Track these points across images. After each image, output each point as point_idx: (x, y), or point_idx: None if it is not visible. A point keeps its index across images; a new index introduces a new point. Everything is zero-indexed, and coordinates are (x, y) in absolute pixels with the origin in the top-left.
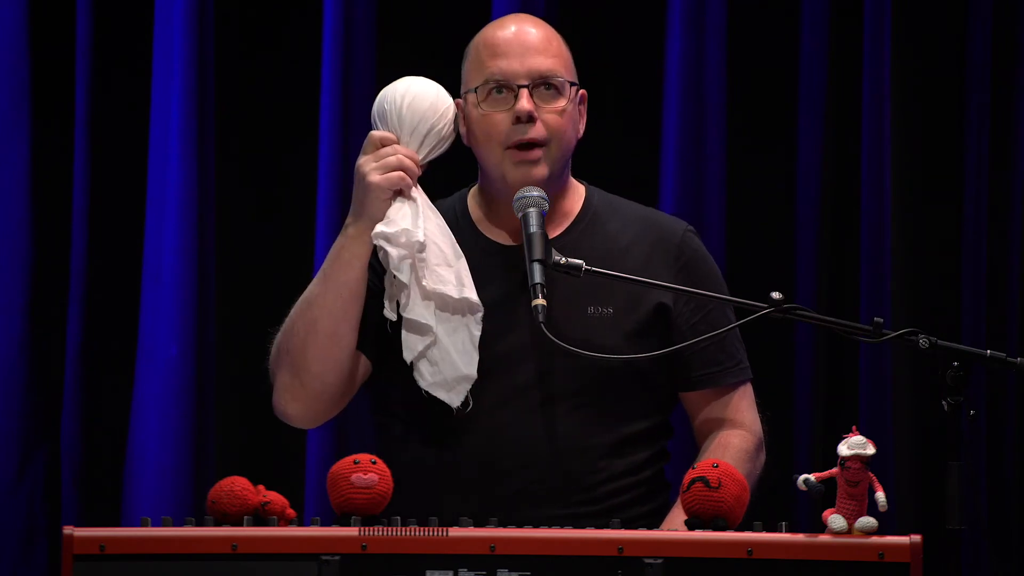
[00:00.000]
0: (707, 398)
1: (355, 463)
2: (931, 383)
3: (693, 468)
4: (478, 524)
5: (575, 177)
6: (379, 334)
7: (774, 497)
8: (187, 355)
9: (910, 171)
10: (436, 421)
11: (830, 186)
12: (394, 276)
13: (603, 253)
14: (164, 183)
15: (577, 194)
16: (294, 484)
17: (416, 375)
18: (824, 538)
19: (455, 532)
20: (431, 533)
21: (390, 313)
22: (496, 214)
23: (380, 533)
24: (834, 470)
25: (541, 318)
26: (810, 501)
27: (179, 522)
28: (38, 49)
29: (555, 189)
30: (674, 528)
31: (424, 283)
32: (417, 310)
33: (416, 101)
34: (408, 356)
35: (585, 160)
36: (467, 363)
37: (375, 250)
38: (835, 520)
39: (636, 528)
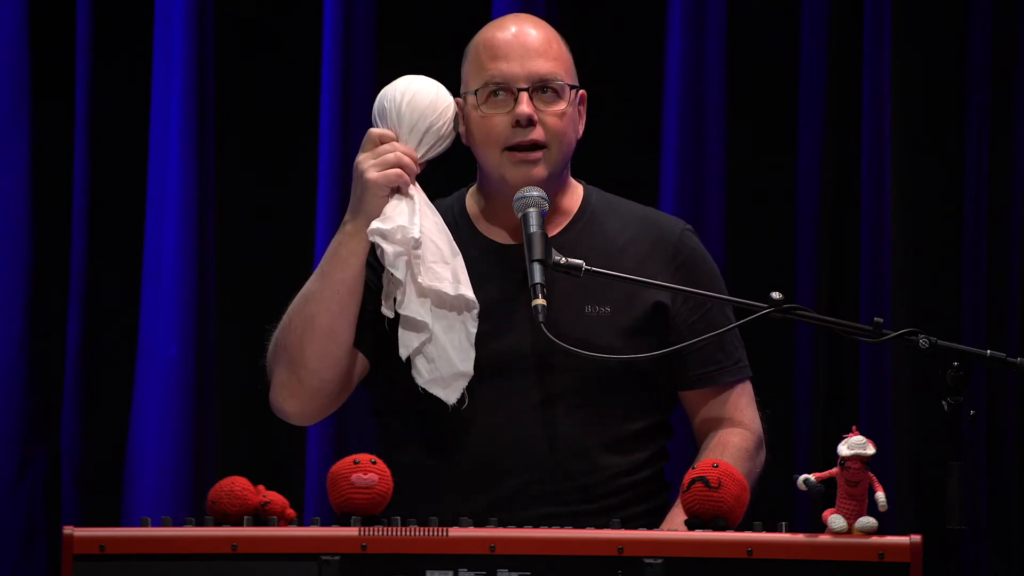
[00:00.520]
0: (706, 397)
1: (355, 463)
2: (931, 383)
3: (693, 468)
4: (478, 524)
5: (574, 176)
6: (377, 331)
7: (774, 497)
8: (187, 355)
9: (910, 171)
10: (435, 420)
11: (830, 186)
12: (390, 273)
13: (601, 252)
14: (164, 183)
15: (575, 193)
16: (294, 484)
17: (413, 372)
18: (824, 538)
19: (455, 532)
20: (431, 533)
21: (387, 310)
22: (494, 213)
23: (380, 533)
24: (834, 470)
25: (541, 318)
26: (810, 501)
27: (179, 522)
28: (38, 49)
29: (554, 189)
30: (674, 528)
31: (420, 280)
32: (413, 307)
33: (416, 99)
34: (404, 353)
35: (585, 160)
36: (463, 360)
37: (373, 247)
38: (835, 520)
39: (635, 527)
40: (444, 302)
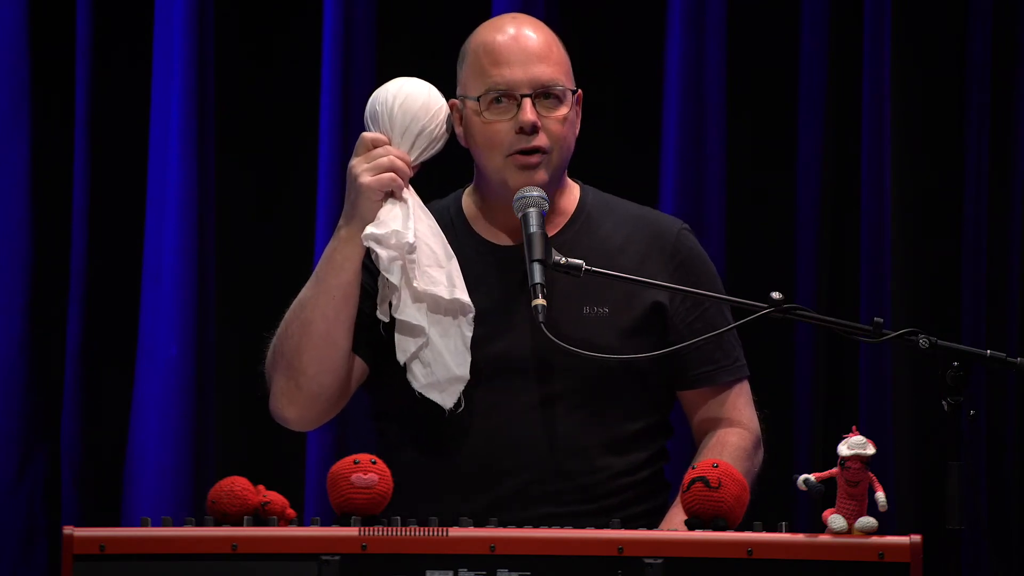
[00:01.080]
0: (704, 396)
1: (355, 463)
2: (931, 383)
3: (693, 468)
4: (478, 524)
5: (571, 176)
6: (374, 336)
7: (774, 497)
8: (187, 355)
9: (910, 171)
10: (434, 422)
11: (830, 186)
12: (386, 277)
13: (599, 252)
14: (164, 183)
15: (572, 193)
16: (294, 484)
17: (409, 376)
18: (824, 538)
19: (455, 532)
20: (431, 533)
21: (383, 315)
22: (492, 215)
23: (380, 533)
24: (834, 470)
25: (541, 318)
26: (810, 501)
27: (179, 522)
28: (38, 49)
29: (552, 190)
30: (674, 528)
31: (415, 284)
32: (409, 311)
33: (407, 102)
34: (401, 358)
35: (585, 160)
36: (459, 364)
37: (369, 252)
38: (835, 520)
39: (635, 527)
40: (439, 306)
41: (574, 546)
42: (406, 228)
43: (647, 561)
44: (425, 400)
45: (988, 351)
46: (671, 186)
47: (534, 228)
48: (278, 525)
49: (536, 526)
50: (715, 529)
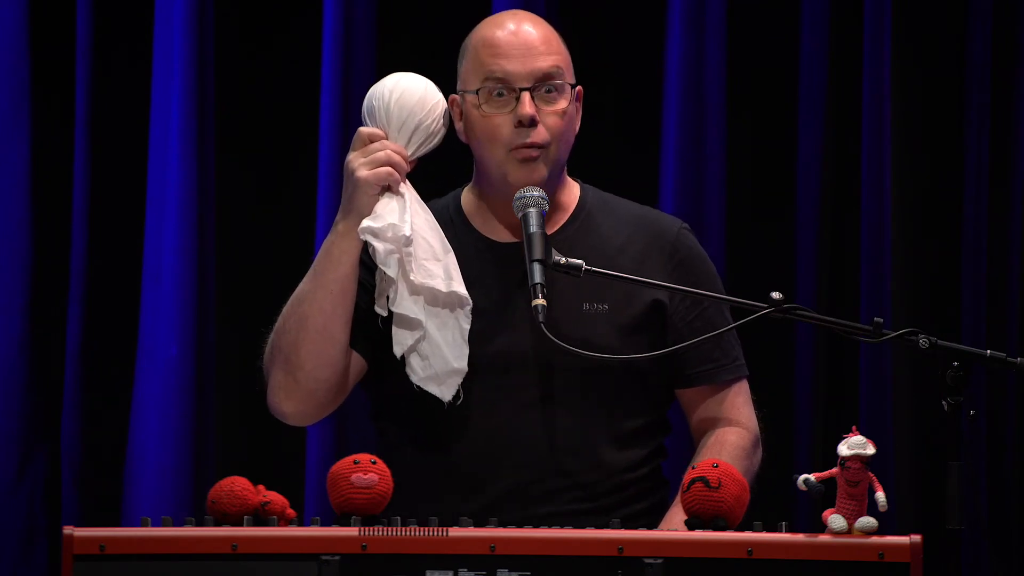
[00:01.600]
0: (703, 395)
1: (355, 463)
2: (931, 383)
3: (693, 468)
4: (478, 524)
5: (571, 175)
6: (372, 331)
7: (774, 497)
8: (187, 355)
9: (910, 171)
10: (432, 420)
11: (830, 186)
12: (382, 271)
13: (599, 252)
14: (164, 183)
15: (572, 192)
16: (294, 484)
17: (408, 370)
18: (824, 538)
19: (455, 532)
20: (431, 533)
21: (380, 309)
22: (492, 212)
23: (380, 533)
24: (834, 470)
25: (541, 318)
26: (810, 501)
27: (179, 522)
28: (38, 49)
29: (551, 186)
30: (673, 527)
31: (412, 277)
32: (406, 304)
33: (404, 97)
34: (398, 351)
35: (585, 160)
36: (457, 356)
37: (366, 246)
38: (835, 520)
39: (635, 525)
40: (437, 299)
41: (574, 546)
42: (403, 221)
43: (647, 561)
44: (424, 397)
45: (988, 351)
46: (671, 186)
47: (534, 228)
48: (278, 525)
49: (536, 526)
50: (715, 529)
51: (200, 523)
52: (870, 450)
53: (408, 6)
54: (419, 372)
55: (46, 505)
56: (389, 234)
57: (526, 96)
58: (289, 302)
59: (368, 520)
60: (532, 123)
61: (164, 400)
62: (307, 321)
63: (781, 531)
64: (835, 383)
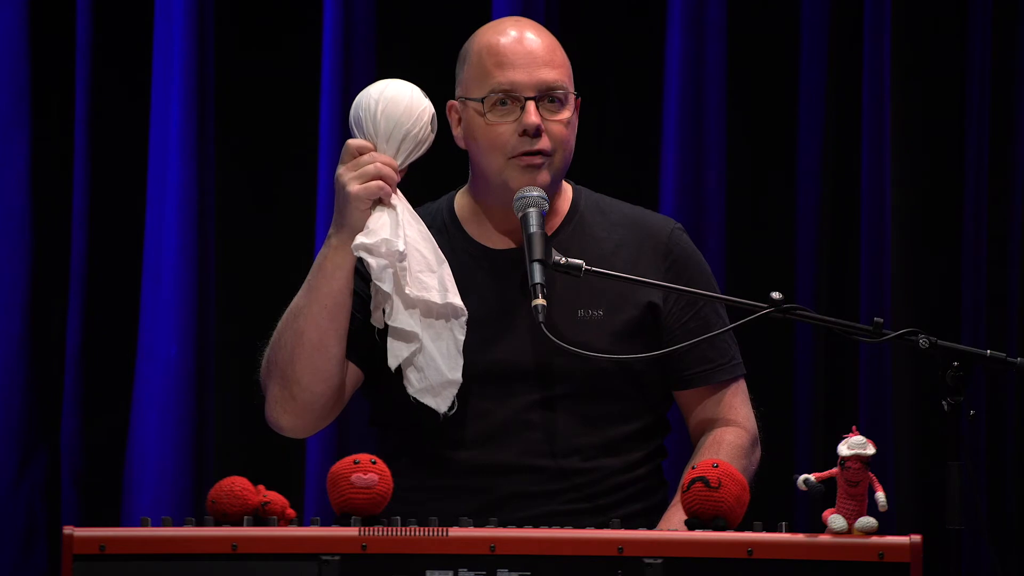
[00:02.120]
0: (701, 396)
1: (355, 463)
2: (931, 383)
3: (693, 468)
4: (478, 524)
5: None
6: (368, 342)
7: (774, 497)
8: (187, 355)
9: (910, 171)
10: (432, 426)
11: (830, 186)
12: (377, 286)
13: (593, 254)
14: (164, 183)
15: (565, 194)
16: (294, 484)
17: (404, 382)
18: (824, 538)
19: (455, 532)
20: (431, 533)
21: (377, 323)
22: (488, 217)
23: (380, 533)
24: (834, 470)
25: (541, 318)
26: (810, 501)
27: (179, 522)
28: (38, 49)
29: (549, 195)
30: (672, 527)
31: (407, 290)
32: (401, 318)
33: (390, 107)
34: (393, 363)
35: (585, 161)
36: (452, 368)
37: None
38: (835, 520)
39: (634, 525)
40: (432, 311)
41: (574, 546)
42: (396, 236)
43: (647, 561)
44: (422, 405)
45: (988, 351)
46: (671, 186)
47: (534, 228)
48: (278, 525)
49: (536, 526)
50: (715, 529)
51: (200, 523)
52: (870, 450)
53: (408, 6)
54: (415, 384)
55: (46, 505)
56: (383, 249)
57: (531, 106)
58: (284, 316)
59: (368, 520)
60: (537, 133)
61: (164, 400)
62: (302, 336)
63: (781, 531)
64: (835, 383)
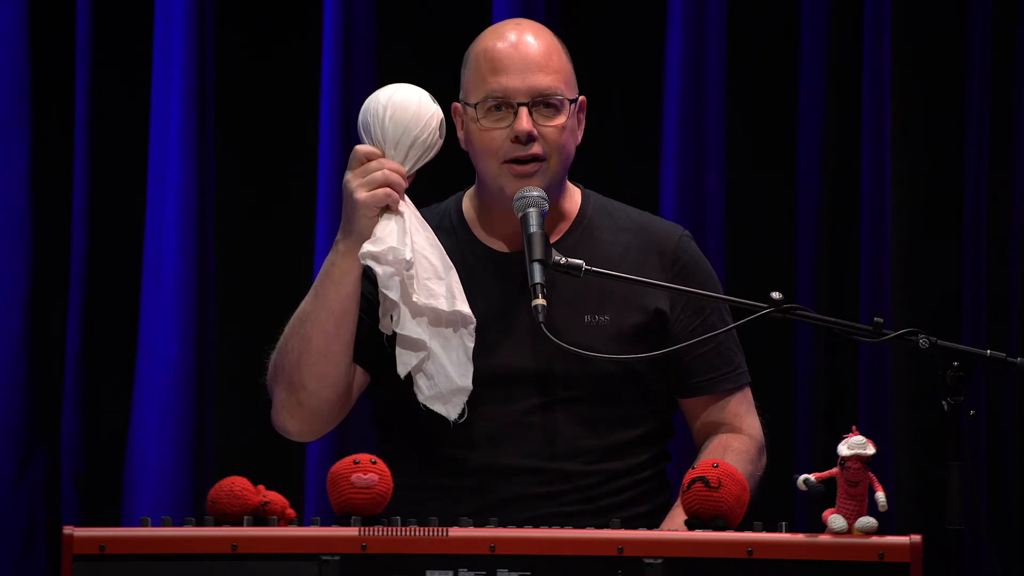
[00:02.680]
0: (706, 404)
1: (355, 463)
2: (931, 383)
3: (693, 468)
4: (478, 524)
5: (571, 179)
6: (377, 344)
7: (774, 497)
8: (187, 355)
9: (910, 171)
10: (436, 427)
11: (830, 186)
12: (384, 294)
13: (600, 259)
14: (164, 183)
15: (573, 199)
16: (294, 484)
17: (415, 389)
18: (824, 538)
19: (455, 532)
20: (431, 533)
21: (385, 329)
22: (492, 221)
23: (380, 533)
24: (834, 470)
25: (541, 318)
26: (810, 501)
27: (179, 522)
28: (38, 49)
29: (552, 197)
30: (674, 528)
31: (415, 298)
32: (409, 326)
33: (397, 113)
34: (403, 371)
35: (585, 161)
36: (462, 375)
37: None
38: (835, 520)
39: (636, 528)
40: (440, 319)
41: (574, 546)
42: (403, 244)
43: (647, 561)
44: (429, 410)
45: (988, 351)
46: (671, 186)
47: (534, 228)
48: (278, 525)
49: (536, 526)
50: (715, 529)
51: (200, 523)
52: (870, 450)
53: (408, 6)
54: (425, 391)
55: (46, 505)
56: (390, 257)
57: (523, 112)
58: (291, 322)
59: (368, 520)
60: (529, 139)
61: (164, 400)
62: (309, 342)
63: (781, 531)
64: (835, 383)
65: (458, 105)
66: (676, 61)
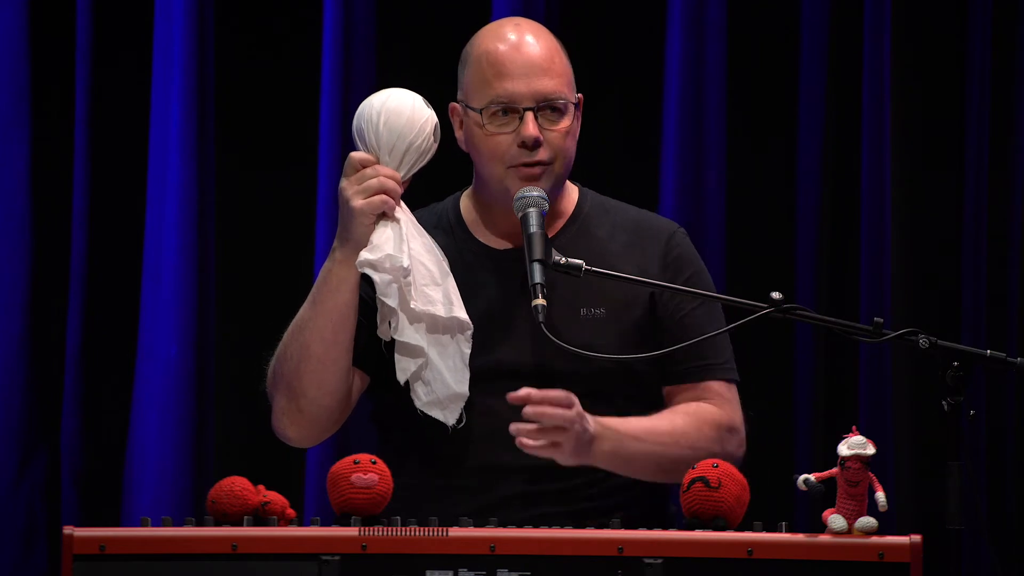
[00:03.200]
0: (691, 392)
1: (355, 463)
2: (931, 383)
3: (693, 468)
4: (478, 524)
5: (570, 179)
6: (374, 348)
7: (774, 497)
8: (187, 355)
9: (910, 171)
10: (435, 427)
11: (830, 186)
12: (382, 301)
13: (595, 255)
14: (164, 183)
15: (570, 196)
16: (294, 484)
17: (412, 395)
18: (824, 538)
19: (455, 532)
20: (431, 533)
21: (383, 335)
22: (491, 220)
23: (380, 533)
24: (834, 470)
25: (541, 318)
26: (810, 501)
27: (179, 522)
28: (38, 49)
29: (551, 199)
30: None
31: (412, 305)
32: (407, 333)
33: (391, 119)
34: (402, 378)
35: (585, 161)
36: (458, 381)
37: None
38: (835, 520)
39: (635, 527)
40: (438, 325)
41: (574, 546)
42: (400, 252)
43: (647, 561)
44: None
45: (988, 351)
46: (671, 186)
47: (534, 228)
48: (278, 525)
49: (536, 526)
50: (715, 529)
51: (200, 523)
52: (870, 450)
53: (408, 6)
54: (422, 397)
55: (46, 505)
56: (387, 265)
57: (529, 116)
58: (289, 329)
59: (368, 520)
60: (536, 144)
61: (164, 400)
62: (308, 349)
63: (781, 531)
64: (835, 383)
65: (457, 105)
66: (676, 61)
